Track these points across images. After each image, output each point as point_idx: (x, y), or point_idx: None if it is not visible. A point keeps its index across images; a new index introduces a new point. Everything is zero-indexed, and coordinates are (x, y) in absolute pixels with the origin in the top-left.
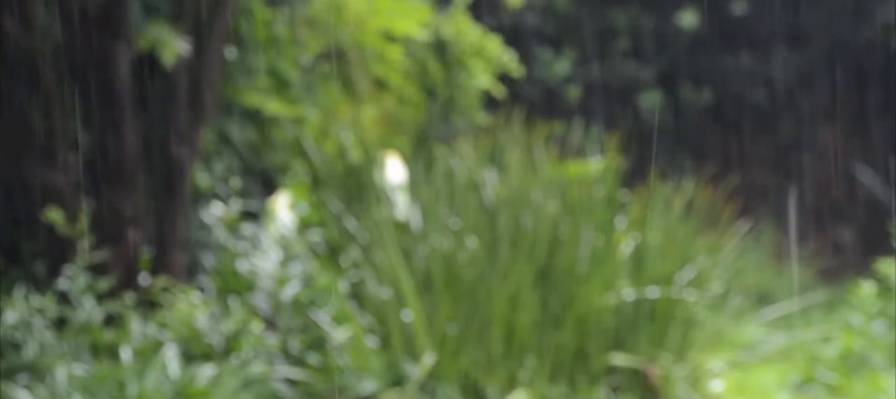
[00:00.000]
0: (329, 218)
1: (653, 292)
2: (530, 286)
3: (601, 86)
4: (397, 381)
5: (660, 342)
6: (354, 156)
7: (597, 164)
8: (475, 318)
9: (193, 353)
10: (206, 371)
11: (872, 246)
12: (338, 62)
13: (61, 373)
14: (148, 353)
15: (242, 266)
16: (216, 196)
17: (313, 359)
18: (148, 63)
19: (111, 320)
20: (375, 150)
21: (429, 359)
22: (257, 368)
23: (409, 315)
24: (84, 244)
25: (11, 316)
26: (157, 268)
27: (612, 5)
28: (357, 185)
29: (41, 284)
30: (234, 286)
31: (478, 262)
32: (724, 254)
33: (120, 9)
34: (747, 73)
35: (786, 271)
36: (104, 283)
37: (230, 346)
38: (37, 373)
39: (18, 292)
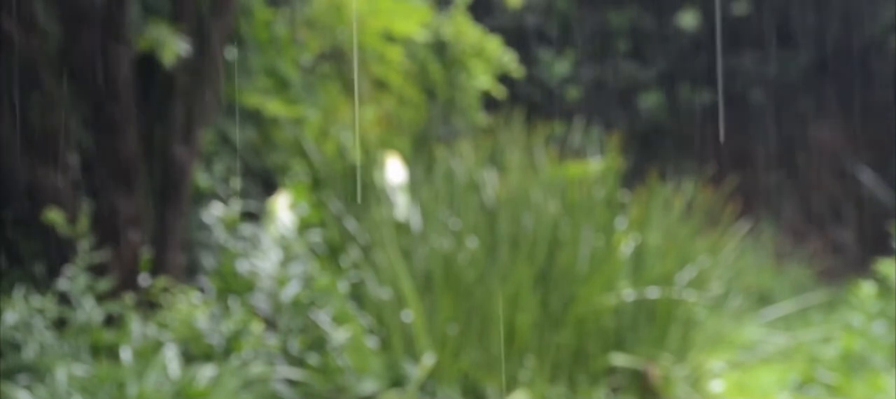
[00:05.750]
0: (329, 218)
1: (653, 292)
2: (530, 286)
3: (601, 86)
4: (397, 381)
5: (660, 342)
6: (354, 156)
7: (597, 165)
8: (475, 318)
9: (193, 354)
10: (206, 371)
11: (872, 246)
12: (338, 62)
13: (61, 373)
14: (148, 354)
15: (242, 266)
16: (216, 196)
17: (313, 359)
18: (148, 63)
19: (111, 320)
20: (375, 150)
21: (429, 359)
22: (257, 369)
23: (409, 315)
24: (84, 244)
25: (11, 316)
26: (157, 268)
27: (612, 5)
28: (357, 185)
29: (41, 285)
30: (233, 286)
31: (478, 262)
32: (724, 254)
33: (120, 9)
34: (747, 73)
35: (786, 271)
36: (104, 284)
37: (230, 346)
38: (37, 373)
39: (18, 292)
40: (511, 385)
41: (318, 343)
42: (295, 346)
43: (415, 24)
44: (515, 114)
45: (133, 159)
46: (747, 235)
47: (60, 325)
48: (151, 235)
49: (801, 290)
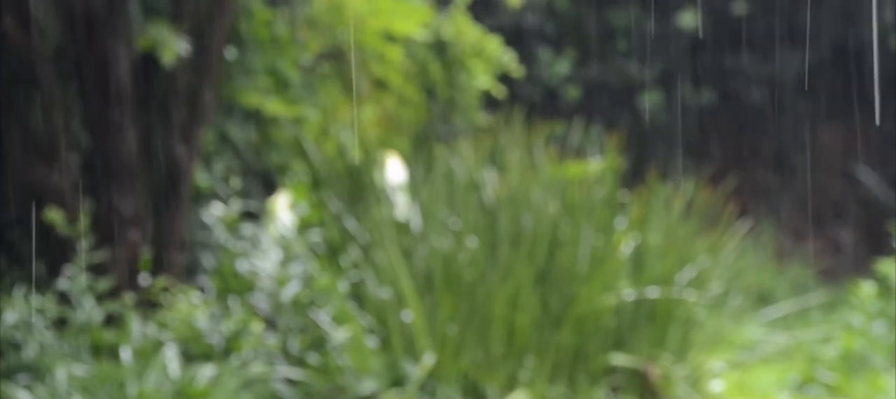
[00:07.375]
0: (329, 218)
1: (653, 292)
2: (530, 286)
3: (601, 86)
4: (397, 381)
5: (660, 342)
6: (354, 156)
7: (597, 164)
8: (475, 318)
9: (193, 353)
10: (206, 371)
11: (872, 246)
12: (338, 62)
13: (61, 373)
14: (148, 353)
15: (242, 266)
16: (216, 196)
17: (313, 359)
18: (148, 63)
19: (111, 320)
20: (375, 150)
21: (429, 359)
22: (257, 368)
23: (409, 315)
24: (84, 244)
25: (11, 316)
26: (157, 268)
27: (612, 5)
28: (357, 185)
29: (41, 284)
30: (234, 286)
31: (478, 262)
32: (724, 254)
33: (120, 9)
34: (747, 73)
35: (786, 271)
36: (104, 283)
37: (230, 346)
38: (37, 373)
39: (18, 292)
40: (511, 385)
41: (318, 343)
42: (295, 345)
43: (415, 23)
44: (515, 114)
45: (133, 159)
46: (747, 235)
47: (60, 325)
48: (151, 235)
49: (801, 290)
